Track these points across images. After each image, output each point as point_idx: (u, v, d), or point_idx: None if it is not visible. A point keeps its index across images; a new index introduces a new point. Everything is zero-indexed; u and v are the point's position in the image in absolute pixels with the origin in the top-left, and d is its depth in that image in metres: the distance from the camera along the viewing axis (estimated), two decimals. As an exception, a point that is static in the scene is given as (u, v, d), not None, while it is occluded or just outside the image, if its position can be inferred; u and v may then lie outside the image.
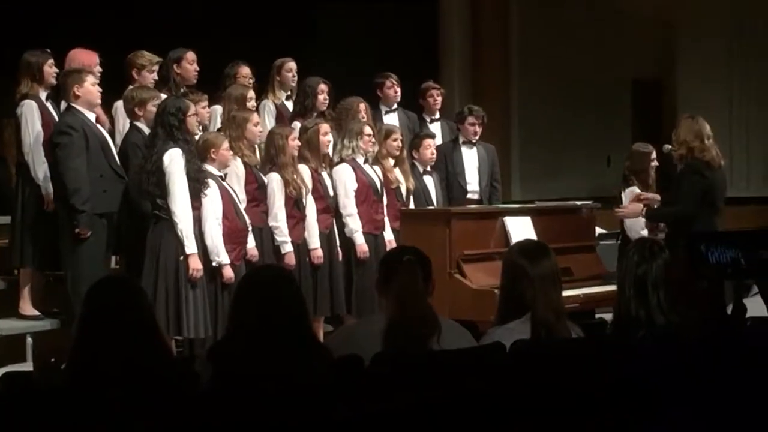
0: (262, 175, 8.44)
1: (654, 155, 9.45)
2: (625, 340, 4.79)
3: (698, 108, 14.14)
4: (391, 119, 10.08)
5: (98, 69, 8.46)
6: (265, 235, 8.41)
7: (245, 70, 9.40)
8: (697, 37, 15.25)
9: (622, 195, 9.36)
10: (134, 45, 8.96)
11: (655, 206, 8.58)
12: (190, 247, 7.63)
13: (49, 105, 8.33)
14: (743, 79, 15.27)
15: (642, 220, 8.87)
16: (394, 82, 10.17)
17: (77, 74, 8.05)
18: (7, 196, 9.37)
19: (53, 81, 8.33)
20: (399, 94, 10.19)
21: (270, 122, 9.26)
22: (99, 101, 8.15)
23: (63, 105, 8.20)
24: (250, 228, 8.18)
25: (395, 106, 10.23)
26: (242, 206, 8.19)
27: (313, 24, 13.99)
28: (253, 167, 8.40)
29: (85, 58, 8.52)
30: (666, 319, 4.80)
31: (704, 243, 3.36)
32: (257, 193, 8.38)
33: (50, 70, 8.33)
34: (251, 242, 8.20)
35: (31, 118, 8.21)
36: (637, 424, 4.10)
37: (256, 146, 8.61)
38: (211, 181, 7.86)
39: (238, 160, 8.31)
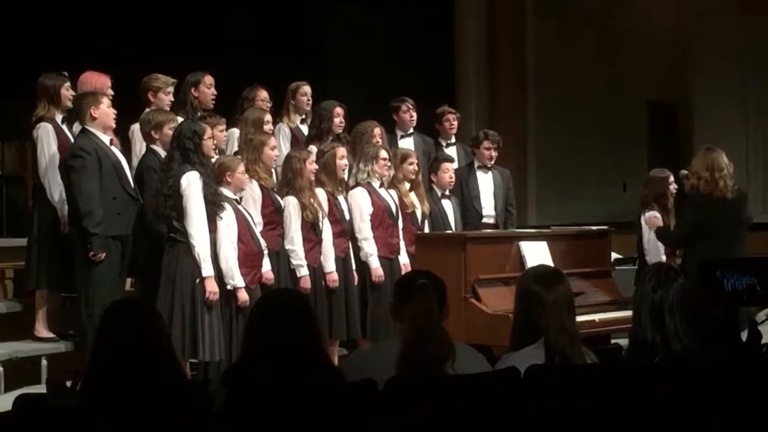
0: (279, 198, 8.44)
1: (672, 179, 9.47)
2: (641, 365, 4.77)
3: (714, 130, 14.19)
4: (407, 143, 10.08)
5: (110, 92, 8.48)
6: (282, 258, 8.41)
7: (263, 94, 9.42)
8: (713, 60, 15.25)
9: (642, 220, 9.37)
10: (149, 68, 8.99)
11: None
12: (207, 269, 7.63)
13: (64, 128, 8.37)
14: (759, 101, 15.26)
15: (662, 247, 9.01)
16: (410, 106, 10.18)
17: (93, 97, 8.10)
18: (23, 217, 9.41)
19: (69, 104, 8.37)
20: (415, 118, 10.20)
21: (285, 146, 9.27)
22: (114, 124, 8.18)
23: (76, 127, 8.24)
24: (266, 251, 8.18)
25: (411, 130, 10.24)
26: (258, 229, 8.19)
27: (328, 49, 14.01)
28: (269, 190, 8.41)
29: (97, 80, 8.55)
30: (682, 344, 4.79)
31: (720, 269, 3.35)
32: (274, 217, 8.39)
33: (67, 93, 8.37)
34: (267, 266, 8.20)
35: (47, 141, 8.24)
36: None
37: (273, 170, 8.62)
38: (226, 205, 7.87)
39: (255, 183, 8.32)
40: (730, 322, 3.39)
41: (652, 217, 9.18)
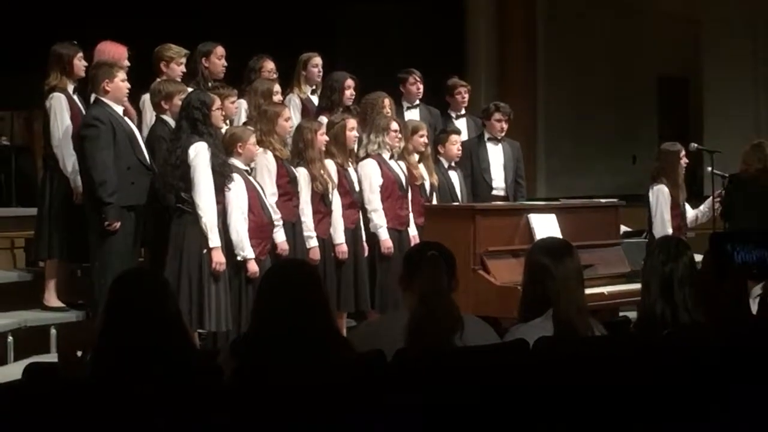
0: (293, 169, 8.43)
1: (683, 153, 9.49)
2: (649, 338, 4.78)
3: (725, 103, 14.16)
4: (413, 115, 10.08)
5: (126, 63, 8.47)
6: (298, 229, 8.40)
7: (270, 65, 9.40)
8: (724, 34, 15.19)
9: (650, 194, 9.39)
10: (161, 38, 8.98)
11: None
12: (214, 240, 7.64)
13: (76, 98, 8.36)
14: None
15: (668, 221, 9.12)
16: (417, 78, 10.17)
17: (108, 68, 8.08)
18: (33, 187, 9.42)
19: (82, 74, 8.36)
20: (422, 90, 10.19)
21: (295, 117, 9.26)
22: (126, 97, 8.17)
23: (91, 98, 8.23)
24: (280, 223, 8.18)
25: (417, 102, 10.23)
26: (273, 200, 8.18)
27: (337, 20, 13.99)
28: (284, 161, 8.39)
29: (115, 51, 8.53)
30: (691, 317, 4.79)
31: (730, 242, 3.34)
32: (289, 187, 8.38)
33: (80, 63, 8.36)
34: (282, 236, 8.20)
35: (60, 111, 8.24)
36: (661, 422, 4.10)
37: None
38: (236, 176, 7.87)
39: (270, 154, 8.30)
40: (740, 295, 3.39)
41: None
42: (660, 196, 9.37)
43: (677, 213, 9.43)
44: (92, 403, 3.78)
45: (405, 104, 10.18)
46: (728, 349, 3.13)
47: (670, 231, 9.11)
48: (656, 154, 9.75)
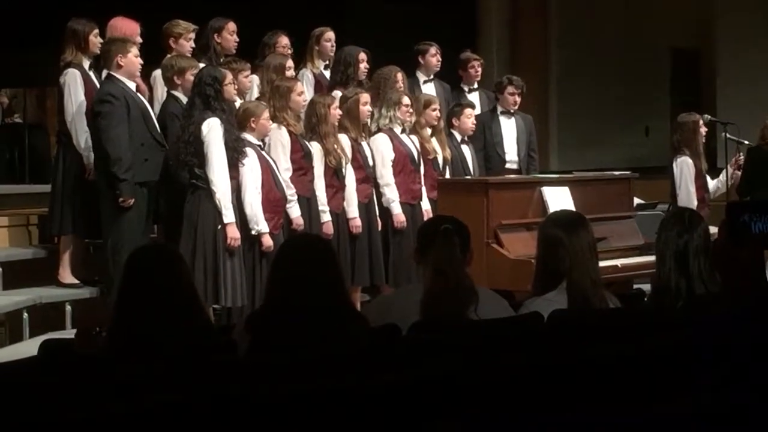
0: (307, 144, 8.42)
1: (702, 123, 9.46)
2: (664, 310, 4.77)
3: (738, 75, 14.10)
4: (428, 89, 10.06)
5: (139, 39, 8.46)
6: (312, 204, 8.40)
7: (284, 40, 9.38)
8: (736, 5, 15.11)
9: (674, 166, 9.35)
10: (173, 14, 8.96)
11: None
12: (228, 216, 7.65)
13: (92, 74, 8.36)
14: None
15: (693, 193, 9.12)
16: (437, 51, 10.16)
17: (122, 44, 8.07)
18: (46, 164, 9.44)
19: (97, 51, 8.36)
20: (440, 63, 10.18)
21: (308, 91, 9.24)
22: (139, 72, 8.17)
23: (104, 73, 8.23)
24: (294, 197, 8.18)
25: (432, 75, 10.21)
26: (287, 176, 8.18)
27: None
28: (298, 136, 8.38)
29: (127, 27, 8.53)
30: (706, 288, 4.79)
31: (747, 212, 3.32)
32: (303, 162, 8.37)
33: (95, 39, 8.37)
34: (297, 211, 8.21)
35: (75, 87, 8.25)
36: (673, 393, 4.09)
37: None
38: (250, 151, 7.87)
39: (284, 129, 8.29)
40: (757, 265, 3.38)
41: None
42: (684, 167, 9.30)
43: (701, 184, 9.38)
44: (108, 378, 3.79)
45: (421, 77, 10.16)
46: (744, 320, 3.13)
47: (695, 203, 9.07)
48: (674, 125, 9.70)
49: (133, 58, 8.03)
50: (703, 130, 9.48)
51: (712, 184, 9.63)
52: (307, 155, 8.37)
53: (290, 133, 8.32)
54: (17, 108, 11.76)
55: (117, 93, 7.90)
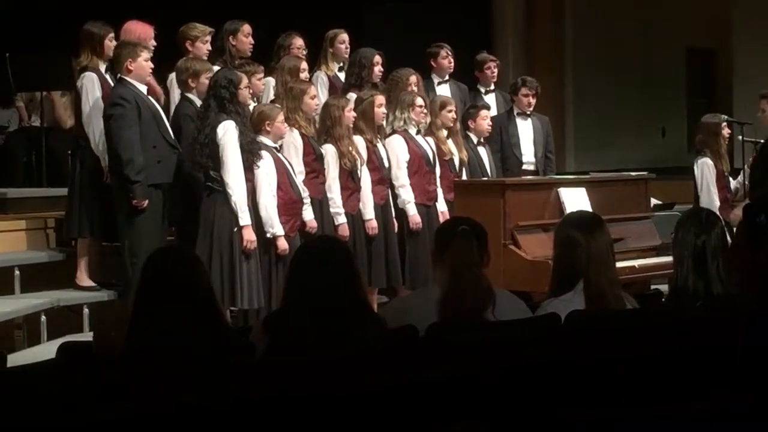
0: (318, 146, 8.43)
1: (725, 124, 9.43)
2: (683, 310, 4.76)
3: (754, 76, 14.07)
4: (444, 90, 10.05)
5: (153, 42, 8.47)
6: (325, 206, 8.40)
7: (299, 42, 9.38)
8: (753, 5, 15.08)
9: (695, 167, 9.34)
10: (188, 17, 8.97)
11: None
12: (245, 218, 7.65)
13: (108, 77, 8.38)
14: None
15: (715, 194, 9.10)
16: (449, 52, 10.15)
17: (132, 48, 8.07)
18: (63, 167, 9.45)
19: (111, 54, 8.37)
20: (452, 64, 10.17)
21: (323, 94, 9.24)
22: (149, 77, 8.16)
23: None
24: (308, 200, 8.18)
25: (447, 77, 10.20)
26: (300, 178, 8.19)
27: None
28: (310, 138, 8.39)
29: (141, 30, 8.52)
30: (724, 288, 4.77)
31: (765, 212, 3.32)
32: (316, 165, 8.37)
33: (110, 44, 8.37)
34: (310, 214, 8.21)
35: (92, 90, 8.26)
36: (694, 395, 4.08)
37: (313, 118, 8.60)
38: (265, 153, 7.87)
39: (296, 131, 8.30)
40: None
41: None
42: (705, 169, 9.27)
43: (723, 185, 9.35)
44: (126, 380, 3.80)
45: (436, 79, 10.16)
46: (763, 320, 3.13)
47: (717, 204, 9.05)
48: (697, 126, 9.68)
49: (142, 63, 8.02)
50: (726, 132, 9.45)
51: (733, 184, 9.60)
52: (319, 158, 8.38)
53: (302, 135, 8.33)
54: (34, 111, 11.76)
55: (128, 96, 7.91)
